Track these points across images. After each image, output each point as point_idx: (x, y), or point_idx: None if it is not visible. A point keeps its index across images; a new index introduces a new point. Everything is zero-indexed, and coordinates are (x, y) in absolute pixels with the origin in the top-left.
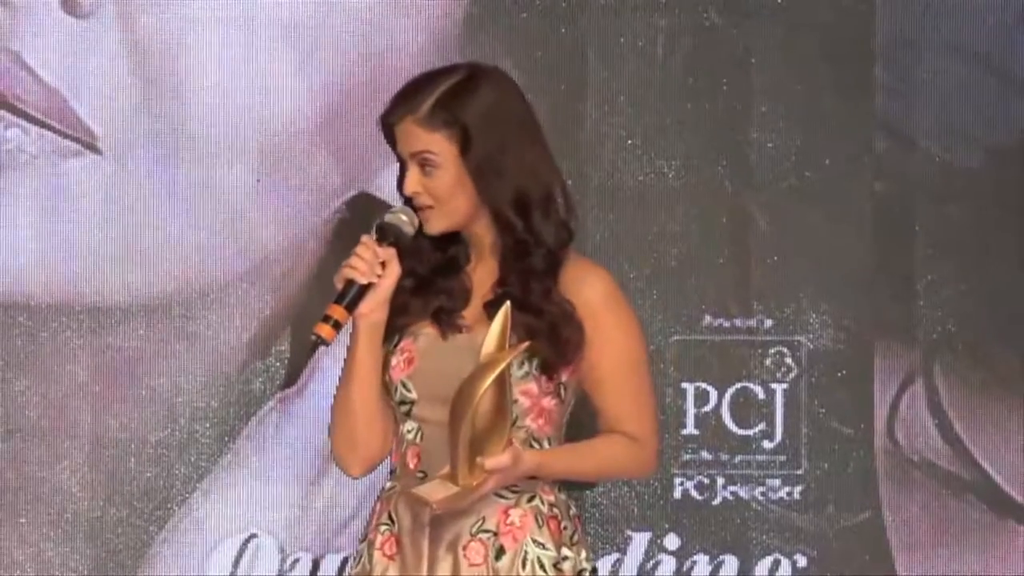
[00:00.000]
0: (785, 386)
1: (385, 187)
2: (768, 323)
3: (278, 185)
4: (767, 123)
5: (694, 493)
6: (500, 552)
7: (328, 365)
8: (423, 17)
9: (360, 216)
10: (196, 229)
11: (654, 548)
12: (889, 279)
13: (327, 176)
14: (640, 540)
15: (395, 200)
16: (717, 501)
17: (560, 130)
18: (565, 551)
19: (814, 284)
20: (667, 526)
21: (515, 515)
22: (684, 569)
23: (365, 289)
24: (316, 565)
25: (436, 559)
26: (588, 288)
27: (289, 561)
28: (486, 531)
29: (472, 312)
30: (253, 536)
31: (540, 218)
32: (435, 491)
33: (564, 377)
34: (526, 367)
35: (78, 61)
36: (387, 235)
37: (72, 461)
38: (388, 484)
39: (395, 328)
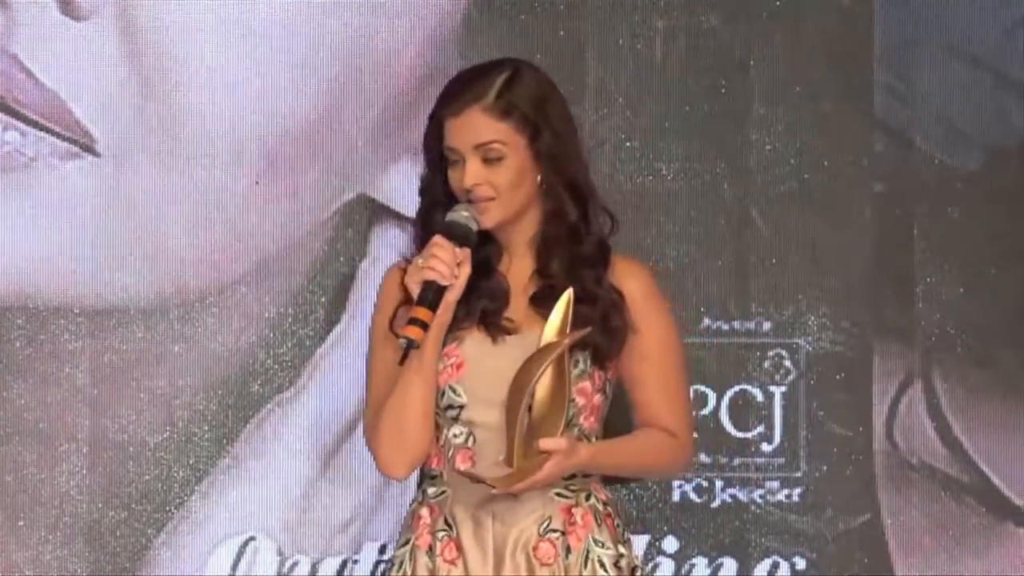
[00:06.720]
0: (784, 388)
1: (384, 190)
2: (767, 325)
3: (276, 188)
4: (766, 125)
5: (693, 496)
6: (568, 551)
7: (325, 368)
8: (421, 19)
9: (358, 219)
10: (194, 232)
11: (652, 551)
12: (888, 281)
13: (325, 179)
14: (639, 543)
15: (394, 202)
16: (716, 504)
17: None
18: (621, 548)
19: (813, 286)
20: (666, 529)
21: (577, 514)
22: (683, 572)
23: (443, 290)
24: (314, 568)
25: (503, 559)
26: (633, 281)
27: (288, 564)
28: (554, 531)
29: (517, 311)
30: (251, 539)
31: (592, 205)
32: (492, 473)
33: (610, 373)
34: (581, 364)
35: (76, 63)
36: (456, 235)
37: (70, 464)
38: (432, 490)
39: None
